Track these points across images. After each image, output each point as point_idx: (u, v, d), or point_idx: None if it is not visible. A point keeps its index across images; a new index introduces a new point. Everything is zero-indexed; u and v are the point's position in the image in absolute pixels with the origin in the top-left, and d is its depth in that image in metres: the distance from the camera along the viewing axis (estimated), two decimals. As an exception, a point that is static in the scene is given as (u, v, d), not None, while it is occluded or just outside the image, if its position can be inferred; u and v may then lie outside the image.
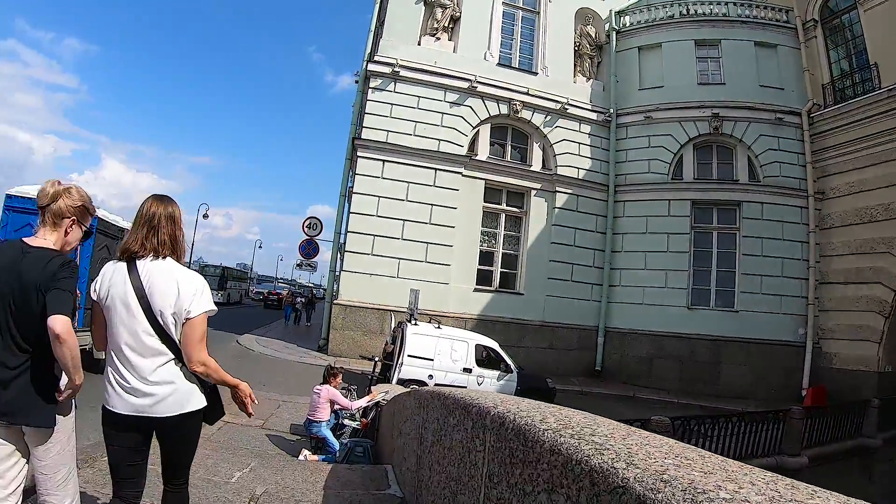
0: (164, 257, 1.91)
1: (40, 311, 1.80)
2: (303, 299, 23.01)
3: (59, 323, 1.71)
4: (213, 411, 2.00)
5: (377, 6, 13.98)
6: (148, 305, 1.83)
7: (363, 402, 6.21)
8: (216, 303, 2.01)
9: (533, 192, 13.96)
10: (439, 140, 13.15)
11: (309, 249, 14.93)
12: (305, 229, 14.91)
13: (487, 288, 13.54)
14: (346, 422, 6.20)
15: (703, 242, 14.64)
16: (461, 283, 13.11)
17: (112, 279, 1.90)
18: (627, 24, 15.66)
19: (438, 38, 13.78)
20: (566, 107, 14.30)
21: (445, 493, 2.12)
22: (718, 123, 14.61)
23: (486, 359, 9.92)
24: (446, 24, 13.91)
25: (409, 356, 9.28)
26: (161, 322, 1.84)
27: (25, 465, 1.92)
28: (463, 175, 13.24)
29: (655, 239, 14.35)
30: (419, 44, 13.63)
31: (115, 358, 1.88)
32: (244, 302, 36.70)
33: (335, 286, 12.89)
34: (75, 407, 2.03)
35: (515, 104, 13.82)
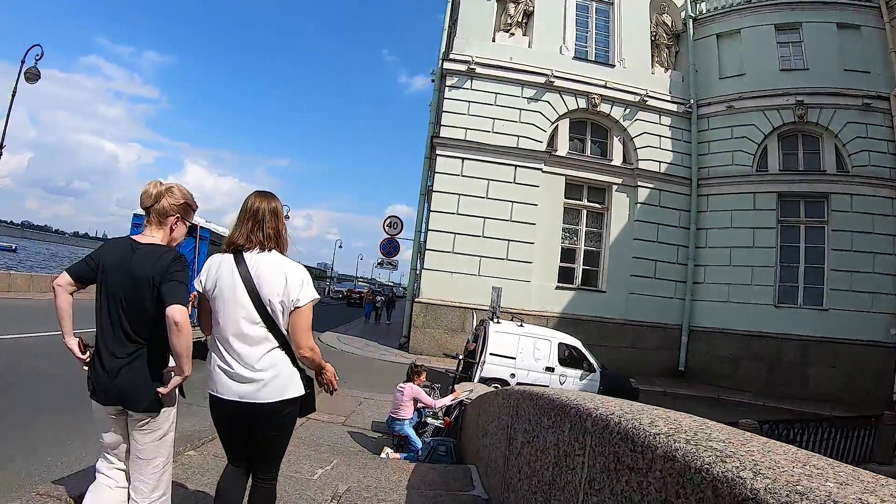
0: (269, 250, 1.97)
1: (151, 305, 1.89)
2: (383, 297, 23.21)
3: (178, 312, 1.79)
4: (307, 403, 2.05)
5: (449, 5, 13.98)
6: (257, 295, 1.89)
7: (447, 400, 6.08)
8: None
9: (614, 188, 13.55)
10: (518, 136, 12.97)
11: (390, 248, 15.05)
12: (386, 228, 15.03)
13: (569, 285, 13.22)
14: (429, 420, 6.06)
15: (790, 237, 13.83)
16: (543, 280, 12.86)
17: (219, 271, 1.96)
18: (704, 11, 15.01)
19: (512, 34, 13.62)
20: (645, 99, 13.82)
21: (537, 498, 2.01)
22: (803, 111, 13.78)
23: (569, 358, 9.64)
24: (520, 20, 13.74)
25: (491, 354, 9.12)
26: (269, 310, 1.90)
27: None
28: (543, 171, 13.01)
29: (740, 234, 13.66)
30: (493, 40, 13.53)
31: (220, 346, 1.94)
32: (324, 300, 37.81)
33: (416, 284, 12.91)
34: (180, 396, 2.05)
35: (593, 98, 13.47)
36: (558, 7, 13.98)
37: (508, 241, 12.62)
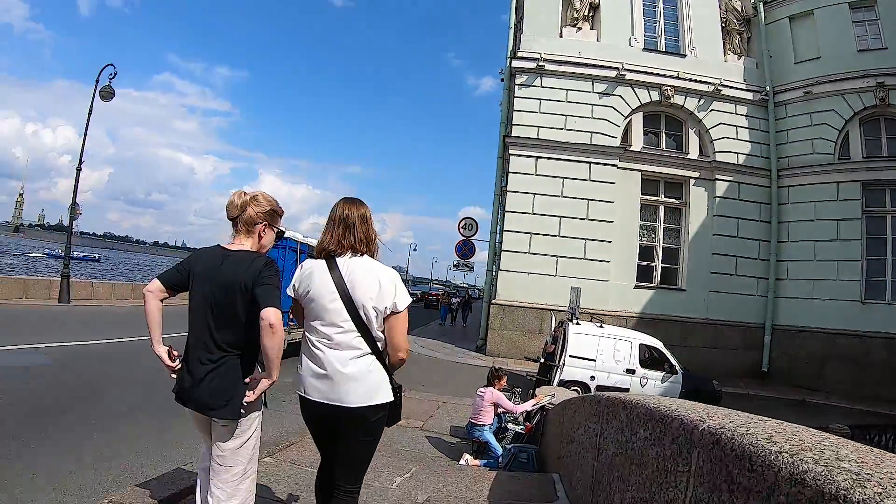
0: (361, 254, 1.98)
1: (243, 310, 1.89)
2: (458, 300, 23.16)
3: (272, 314, 1.79)
4: (394, 412, 2.03)
5: (514, 3, 13.78)
6: (349, 299, 1.89)
7: (528, 405, 5.91)
8: None
9: (691, 182, 13.09)
10: (591, 132, 12.68)
11: (465, 250, 15.00)
12: (461, 230, 14.99)
13: (648, 284, 12.85)
14: (510, 426, 5.90)
15: (877, 228, 13.04)
16: (621, 279, 12.54)
17: (311, 277, 1.97)
18: (774, -7, 14.33)
19: (580, 28, 13.32)
20: (719, 88, 13.29)
21: (632, 514, 1.85)
22: (884, 94, 12.98)
23: (650, 359, 9.33)
24: (586, 13, 13.43)
25: (570, 356, 8.90)
26: (362, 315, 1.90)
27: None
28: (618, 167, 12.68)
29: (824, 226, 12.97)
30: (561, 35, 13.26)
31: (311, 349, 1.95)
32: None
33: (492, 286, 12.79)
34: (265, 406, 2.04)
35: (666, 90, 13.04)
36: (624, -2, 13.60)
37: (585, 239, 12.35)
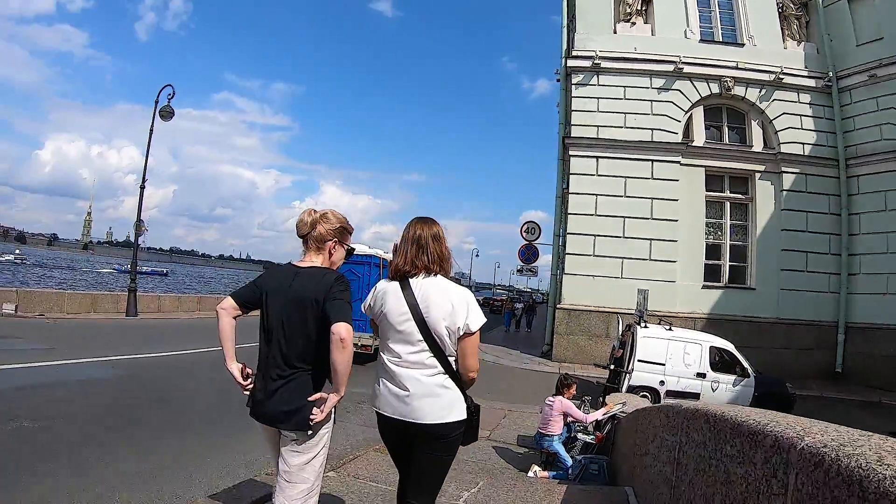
0: (434, 274, 2.00)
1: (314, 326, 1.90)
2: (522, 305, 22.91)
3: (343, 329, 1.80)
4: (470, 430, 2.02)
5: (565, 2, 13.51)
6: (422, 320, 1.91)
7: (598, 414, 5.72)
8: None
9: (757, 176, 12.67)
10: (652, 129, 12.38)
11: (529, 254, 14.84)
12: (524, 234, 14.84)
13: (716, 284, 12.50)
14: (580, 436, 5.70)
15: (952, 217, 12.43)
16: (688, 280, 12.22)
17: (384, 297, 2.00)
18: (831, -26, 13.76)
19: (634, 23, 13.00)
20: (780, 76, 12.82)
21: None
22: None
23: (720, 362, 9.04)
24: (639, 8, 13.10)
25: (639, 361, 8.67)
26: (435, 336, 1.91)
27: None
28: (681, 164, 12.35)
29: (896, 217, 12.42)
30: (615, 32, 12.97)
31: (385, 367, 1.98)
32: None
33: (557, 290, 12.60)
34: (333, 422, 2.02)
35: (726, 81, 12.64)
36: (677, -11, 13.22)
37: (650, 240, 12.07)
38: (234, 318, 2.01)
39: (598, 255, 12.06)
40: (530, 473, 5.02)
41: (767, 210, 12.62)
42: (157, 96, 13.72)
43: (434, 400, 1.91)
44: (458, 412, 1.95)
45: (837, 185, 12.82)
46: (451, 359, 1.95)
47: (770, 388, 8.90)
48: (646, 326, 9.17)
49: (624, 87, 12.59)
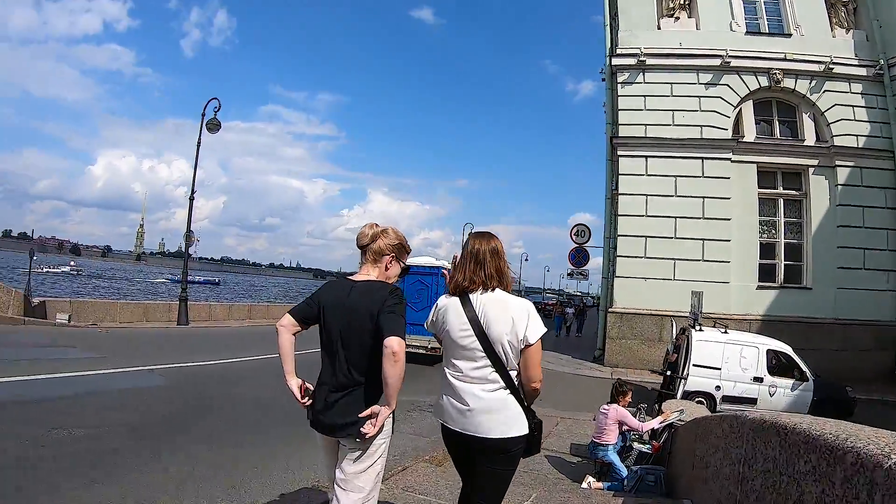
0: (493, 289, 2.00)
1: (370, 338, 1.91)
2: (572, 309, 22.62)
3: (396, 342, 1.80)
4: (532, 443, 2.02)
5: (607, 0, 13.21)
6: (483, 335, 1.92)
7: (655, 423, 5.45)
8: None
9: (810, 171, 12.31)
10: (701, 126, 12.08)
11: (579, 258, 14.63)
12: (573, 237, 14.64)
13: (771, 284, 12.18)
14: (635, 445, 5.47)
15: None
16: (742, 280, 11.93)
17: (445, 314, 2.03)
18: (878, -43, 13.30)
19: (677, 18, 12.68)
20: (830, 66, 12.42)
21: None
22: None
23: (777, 366, 8.74)
24: (682, 2, 12.79)
25: (694, 365, 8.42)
26: (497, 351, 1.92)
27: None
28: (731, 161, 12.04)
29: (956, 208, 12.02)
30: (658, 28, 12.67)
31: (449, 381, 2.01)
32: None
33: (608, 293, 12.38)
34: (392, 431, 2.03)
35: (775, 73, 12.29)
36: (720, -20, 12.86)
37: (703, 240, 11.79)
38: (294, 334, 2.03)
39: (649, 257, 11.82)
40: (584, 484, 4.87)
41: (822, 206, 12.26)
42: (204, 110, 13.90)
43: (495, 415, 1.93)
44: (520, 427, 1.97)
45: (893, 177, 12.45)
46: (513, 373, 1.96)
47: (830, 392, 8.58)
48: (701, 329, 8.95)
49: (670, 83, 12.31)
